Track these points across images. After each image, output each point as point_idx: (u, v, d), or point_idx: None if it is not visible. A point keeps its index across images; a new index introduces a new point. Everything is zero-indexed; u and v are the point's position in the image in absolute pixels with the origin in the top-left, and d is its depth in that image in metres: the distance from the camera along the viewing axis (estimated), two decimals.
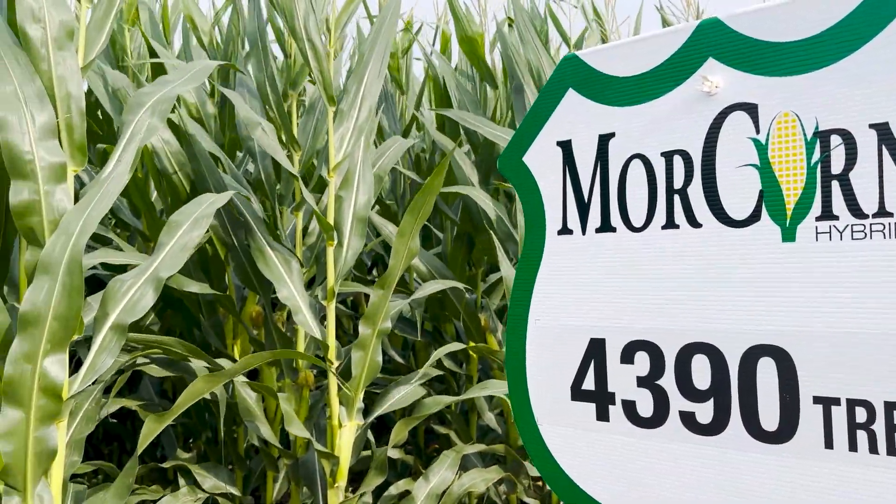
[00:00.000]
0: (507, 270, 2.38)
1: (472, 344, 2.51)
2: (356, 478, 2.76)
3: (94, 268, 2.55)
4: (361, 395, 2.17)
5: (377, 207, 3.18)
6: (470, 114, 2.78)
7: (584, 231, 1.05)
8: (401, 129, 3.38)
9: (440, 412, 2.90)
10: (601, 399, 1.04)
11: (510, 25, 2.87)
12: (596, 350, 1.04)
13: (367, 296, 3.43)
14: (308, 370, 2.38)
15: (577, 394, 1.06)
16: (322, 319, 2.32)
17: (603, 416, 1.03)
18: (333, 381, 2.16)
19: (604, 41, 3.11)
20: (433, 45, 3.61)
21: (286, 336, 2.51)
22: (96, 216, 1.74)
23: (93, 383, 1.74)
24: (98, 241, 2.64)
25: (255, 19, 2.50)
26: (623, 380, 1.02)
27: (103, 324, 1.76)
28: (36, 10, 1.66)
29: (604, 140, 1.03)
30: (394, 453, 2.68)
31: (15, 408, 1.55)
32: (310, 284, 2.55)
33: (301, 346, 2.45)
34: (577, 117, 1.06)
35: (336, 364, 2.17)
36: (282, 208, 2.72)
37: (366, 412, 2.27)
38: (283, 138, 2.48)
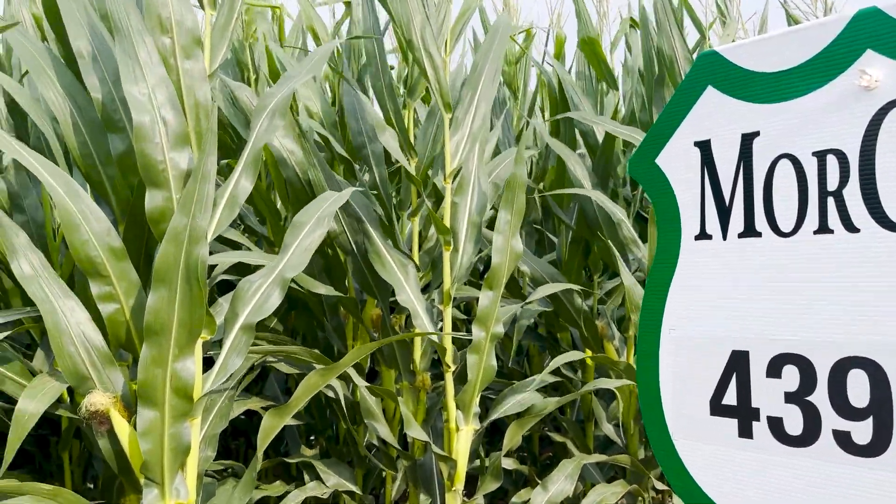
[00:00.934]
0: (628, 277, 2.31)
1: (589, 353, 2.46)
2: (468, 482, 2.75)
3: (225, 271, 2.66)
4: (477, 400, 2.16)
5: (492, 213, 3.17)
6: (590, 112, 2.72)
7: (724, 236, 0.99)
8: (514, 135, 3.35)
9: (555, 420, 2.85)
10: (744, 415, 0.97)
11: (632, 26, 2.79)
12: (738, 362, 0.98)
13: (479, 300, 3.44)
14: (425, 373, 2.40)
15: (717, 409, 1.00)
16: (438, 323, 2.34)
17: (745, 432, 0.97)
18: (451, 385, 2.16)
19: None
20: (546, 49, 3.56)
21: (403, 340, 2.53)
22: (221, 223, 1.81)
23: (224, 381, 1.82)
24: (232, 246, 2.75)
25: (372, 29, 2.55)
26: (769, 395, 0.95)
27: (233, 324, 1.83)
28: (164, 19, 1.73)
29: (747, 139, 0.97)
30: (507, 462, 2.65)
31: (150, 408, 1.63)
32: (425, 289, 2.57)
33: (417, 350, 2.47)
34: (718, 116, 1.00)
35: (453, 368, 2.18)
36: (399, 214, 2.76)
37: (481, 416, 2.26)
38: (401, 146, 2.51)
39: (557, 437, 2.83)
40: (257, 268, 2.32)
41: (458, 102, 2.23)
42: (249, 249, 2.55)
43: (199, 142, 1.79)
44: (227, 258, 2.25)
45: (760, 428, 0.96)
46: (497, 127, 2.73)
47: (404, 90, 2.69)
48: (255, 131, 1.88)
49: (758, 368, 0.96)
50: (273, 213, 2.79)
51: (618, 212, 2.52)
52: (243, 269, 2.67)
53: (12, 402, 1.91)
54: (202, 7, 1.88)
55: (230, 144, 2.83)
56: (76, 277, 1.77)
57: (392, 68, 2.83)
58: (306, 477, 2.40)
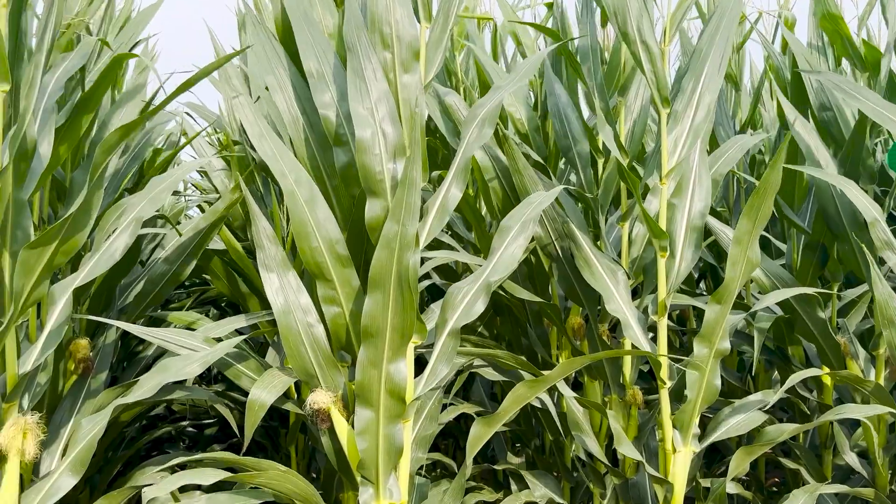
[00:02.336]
0: (882, 287, 2.02)
1: (825, 370, 2.19)
2: None
3: (426, 276, 2.72)
4: (697, 420, 2.01)
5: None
6: (849, 81, 2.37)
7: None
8: (735, 128, 3.10)
9: (785, 443, 2.58)
10: None
11: None
12: None
13: (695, 309, 3.22)
14: (636, 388, 2.28)
15: None
16: (651, 335, 2.21)
17: None
18: (666, 402, 2.03)
19: None
20: (775, 34, 3.26)
21: (611, 349, 2.43)
22: (433, 231, 1.85)
23: (434, 385, 1.85)
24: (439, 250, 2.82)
25: (588, 27, 2.48)
26: None
27: (443, 330, 1.85)
28: (386, 34, 1.80)
29: None
30: (730, 486, 2.44)
31: (366, 408, 1.70)
32: (633, 296, 2.44)
33: (627, 362, 2.36)
34: None
35: (669, 384, 2.04)
36: (605, 218, 2.66)
37: (699, 437, 2.10)
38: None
39: (789, 464, 2.56)
40: (465, 275, 2.36)
41: (676, 94, 2.09)
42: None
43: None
44: (437, 255, 2.30)
45: None
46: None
47: (612, 88, 2.60)
48: (464, 141, 1.90)
49: None
50: (479, 220, 2.82)
51: (873, 210, 2.20)
52: (454, 278, 2.73)
53: (245, 393, 2.09)
54: (418, 20, 1.93)
55: (443, 151, 2.89)
56: (305, 281, 1.90)
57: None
58: (513, 485, 2.38)
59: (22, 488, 1.75)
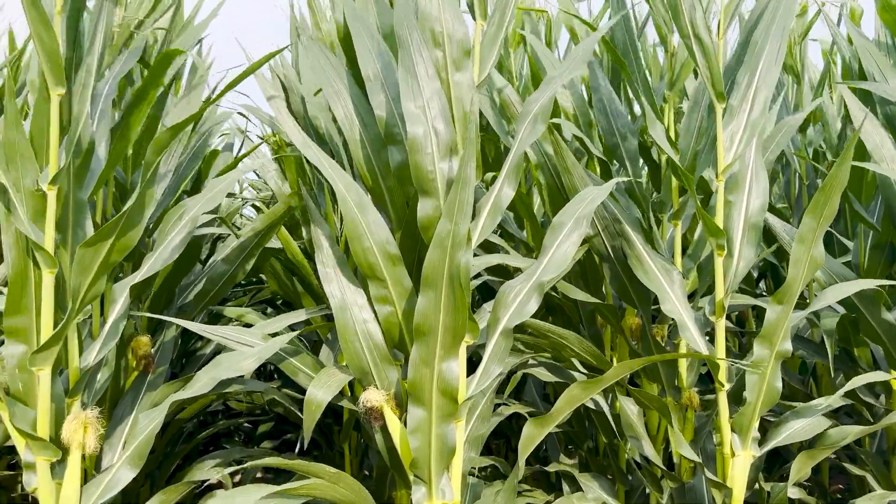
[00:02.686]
0: None
1: (893, 373, 2.11)
2: None
3: (478, 276, 2.71)
4: (756, 424, 1.95)
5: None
6: None
7: None
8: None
9: (850, 448, 2.49)
10: None
11: None
12: None
13: (754, 309, 3.13)
14: (692, 390, 2.23)
15: None
16: (708, 336, 2.15)
17: None
18: (724, 405, 1.98)
19: None
20: (838, 24, 3.14)
21: (666, 351, 2.38)
22: (485, 230, 1.84)
23: (487, 384, 1.83)
24: (489, 250, 2.81)
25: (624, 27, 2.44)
26: None
27: (495, 329, 1.84)
28: (437, 33, 1.80)
29: None
30: (792, 491, 2.37)
31: (419, 407, 1.70)
32: (689, 297, 2.39)
33: (684, 364, 2.31)
34: None
35: (727, 387, 1.99)
36: (660, 216, 2.60)
37: (759, 441, 2.04)
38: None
39: (854, 469, 2.47)
40: (516, 273, 2.34)
41: (731, 88, 2.03)
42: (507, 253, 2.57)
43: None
44: (488, 260, 2.29)
45: None
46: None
47: (662, 82, 2.54)
48: (517, 138, 1.88)
49: None
50: (531, 218, 2.80)
51: None
52: (505, 275, 2.71)
53: (299, 390, 2.11)
54: (473, 17, 1.93)
55: (494, 149, 2.88)
56: (360, 279, 1.92)
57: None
58: (565, 487, 2.35)
59: (85, 481, 1.80)
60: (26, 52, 3.09)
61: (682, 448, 2.03)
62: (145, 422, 1.84)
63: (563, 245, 1.88)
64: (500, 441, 3.15)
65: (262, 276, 3.11)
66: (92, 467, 1.91)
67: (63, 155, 1.73)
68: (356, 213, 1.77)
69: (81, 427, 1.71)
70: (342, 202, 1.78)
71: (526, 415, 2.30)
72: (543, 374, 2.27)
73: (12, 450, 2.03)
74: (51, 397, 1.72)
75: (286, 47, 2.23)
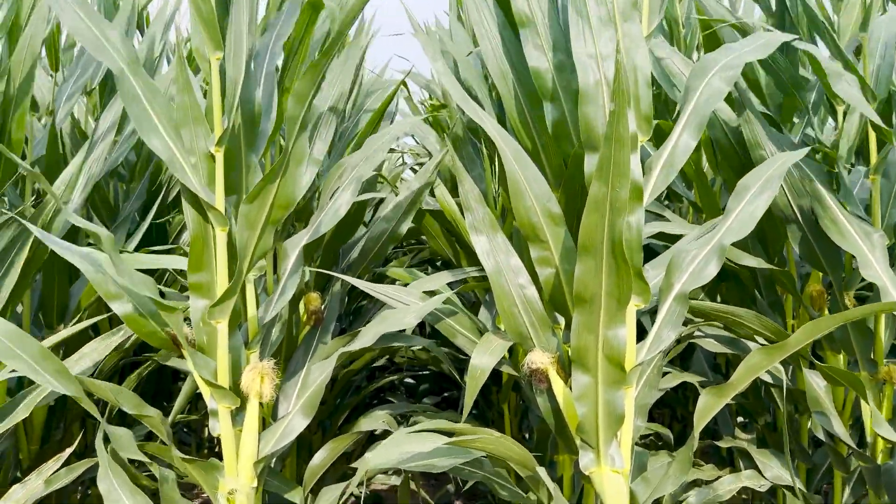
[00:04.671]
0: None
1: None
2: None
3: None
4: None
5: None
6: None
7: None
8: None
9: None
10: None
11: None
12: None
13: None
14: (892, 364, 2.00)
15: None
16: None
17: None
18: None
19: None
20: None
21: (860, 321, 2.15)
22: (657, 188, 1.72)
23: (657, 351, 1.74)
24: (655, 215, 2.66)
25: None
26: None
27: (668, 294, 1.73)
28: None
29: None
30: None
31: (584, 373, 1.62)
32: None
33: (881, 335, 2.07)
34: None
35: None
36: (848, 172, 2.33)
37: None
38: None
39: None
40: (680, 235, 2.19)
41: None
42: (666, 219, 2.42)
43: (637, 105, 1.71)
44: (656, 230, 2.17)
45: None
46: None
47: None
48: (704, 80, 1.73)
49: None
50: (700, 176, 2.62)
51: None
52: (665, 238, 2.56)
53: (457, 349, 2.12)
54: None
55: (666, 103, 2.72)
56: (514, 242, 1.87)
57: None
58: (739, 463, 2.21)
59: (263, 428, 1.91)
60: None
61: (881, 427, 1.84)
62: (317, 373, 1.92)
63: (750, 207, 1.73)
64: (665, 410, 3.03)
65: (423, 238, 3.14)
66: (269, 416, 2.01)
67: (226, 119, 1.80)
68: (517, 170, 1.71)
69: (258, 377, 1.80)
70: (504, 158, 1.72)
71: (696, 384, 2.18)
72: (712, 344, 2.13)
73: (199, 397, 2.19)
74: (229, 349, 1.82)
75: None
